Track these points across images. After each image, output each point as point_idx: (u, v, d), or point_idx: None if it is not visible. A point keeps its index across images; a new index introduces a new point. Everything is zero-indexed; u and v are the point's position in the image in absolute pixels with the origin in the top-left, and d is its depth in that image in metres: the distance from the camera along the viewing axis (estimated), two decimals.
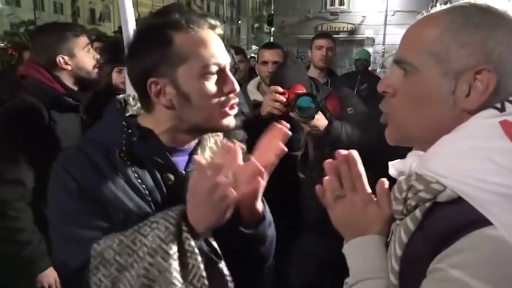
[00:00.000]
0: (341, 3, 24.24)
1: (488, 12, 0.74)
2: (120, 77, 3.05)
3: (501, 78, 0.72)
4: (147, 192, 1.07)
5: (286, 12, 23.33)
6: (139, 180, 1.07)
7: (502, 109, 0.71)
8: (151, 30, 1.05)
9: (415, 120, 0.80)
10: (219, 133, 1.22)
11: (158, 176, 1.09)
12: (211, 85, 1.04)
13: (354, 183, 0.93)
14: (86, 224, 1.01)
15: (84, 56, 2.12)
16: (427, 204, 0.73)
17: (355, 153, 0.94)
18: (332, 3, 24.23)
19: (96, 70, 2.19)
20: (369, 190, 0.93)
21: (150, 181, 1.08)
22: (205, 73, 1.03)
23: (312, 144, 2.09)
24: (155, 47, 1.02)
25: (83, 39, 2.13)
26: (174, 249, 0.90)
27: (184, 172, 1.12)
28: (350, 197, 0.93)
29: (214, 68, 1.04)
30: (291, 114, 2.00)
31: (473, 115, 0.74)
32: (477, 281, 0.62)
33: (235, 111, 1.10)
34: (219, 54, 1.05)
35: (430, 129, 0.78)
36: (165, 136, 1.09)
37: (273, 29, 23.37)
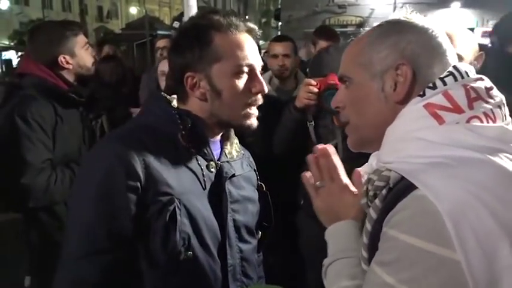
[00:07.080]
0: None
1: (396, 23, 0.93)
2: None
3: (419, 69, 0.87)
4: (203, 174, 1.17)
5: (294, 6, 23.17)
6: (197, 163, 1.16)
7: (423, 95, 0.85)
8: (194, 29, 1.14)
9: (363, 121, 0.94)
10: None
11: (204, 163, 1.18)
12: (241, 83, 1.14)
13: (332, 174, 1.05)
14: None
15: (84, 54, 2.15)
16: (384, 192, 0.81)
17: (330, 147, 1.07)
18: None
19: (94, 66, 2.22)
20: (345, 180, 1.05)
21: (198, 167, 1.17)
22: (237, 72, 1.13)
23: (341, 135, 2.06)
24: (196, 45, 1.12)
25: (82, 38, 2.14)
26: None
27: (219, 162, 1.22)
28: (328, 186, 1.05)
29: (246, 69, 1.14)
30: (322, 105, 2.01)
31: (403, 105, 0.87)
32: (405, 235, 0.72)
33: (257, 112, 1.20)
34: (252, 57, 1.15)
35: (375, 126, 0.91)
36: None
37: (280, 23, 23.23)
